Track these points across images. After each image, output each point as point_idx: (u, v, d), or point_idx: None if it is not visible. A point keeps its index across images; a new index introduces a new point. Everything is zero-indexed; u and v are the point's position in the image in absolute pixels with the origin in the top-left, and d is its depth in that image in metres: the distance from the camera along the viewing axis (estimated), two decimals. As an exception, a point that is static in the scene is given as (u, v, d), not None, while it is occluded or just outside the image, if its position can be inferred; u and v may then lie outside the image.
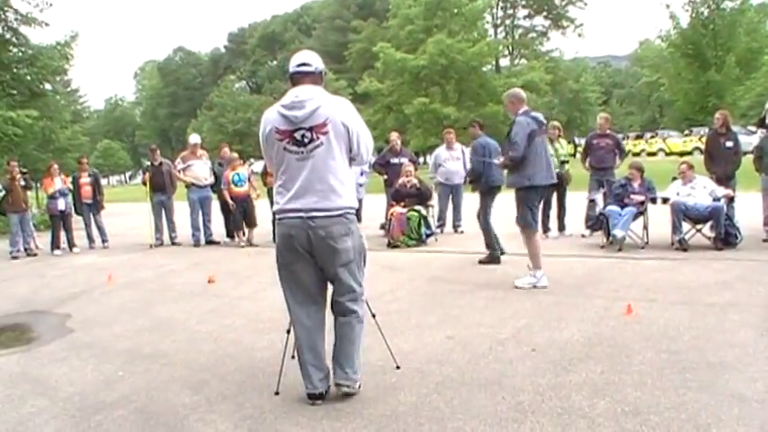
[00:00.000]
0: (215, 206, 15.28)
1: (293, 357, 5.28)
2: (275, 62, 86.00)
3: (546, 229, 12.52)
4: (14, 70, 26.16)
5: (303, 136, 4.55)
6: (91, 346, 6.97)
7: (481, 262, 10.25)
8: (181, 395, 5.21)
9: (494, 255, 10.30)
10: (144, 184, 15.62)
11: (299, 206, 4.60)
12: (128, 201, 33.45)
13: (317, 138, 4.56)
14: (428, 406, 4.63)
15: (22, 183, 15.39)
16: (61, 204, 15.43)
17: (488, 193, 10.56)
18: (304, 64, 4.79)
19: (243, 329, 7.15)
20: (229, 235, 15.05)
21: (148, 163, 16.17)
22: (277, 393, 5.00)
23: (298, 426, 4.44)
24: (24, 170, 15.75)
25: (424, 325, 6.73)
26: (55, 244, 15.54)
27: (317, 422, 4.47)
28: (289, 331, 5.16)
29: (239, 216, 14.28)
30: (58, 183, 15.49)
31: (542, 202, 12.05)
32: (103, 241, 15.85)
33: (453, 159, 14.30)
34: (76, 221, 16.05)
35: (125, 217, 17.66)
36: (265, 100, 74.57)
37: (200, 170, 14.98)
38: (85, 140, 49.36)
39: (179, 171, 15.06)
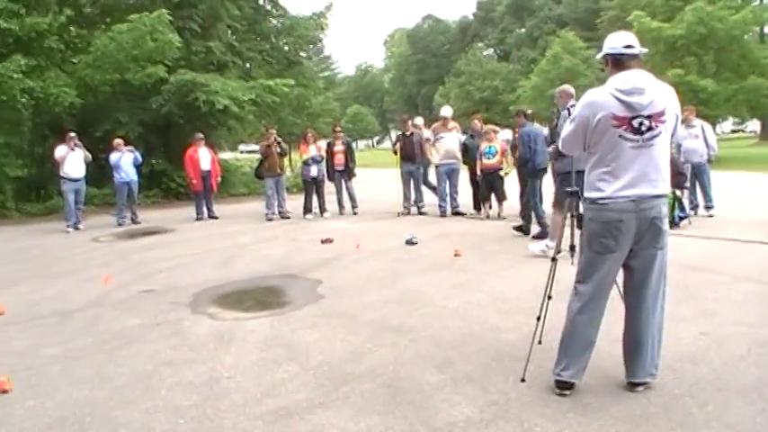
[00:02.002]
0: (463, 177, 15.34)
1: (539, 343, 5.20)
2: (523, 30, 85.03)
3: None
4: (273, 40, 27.59)
5: (641, 124, 4.39)
6: (340, 314, 7.17)
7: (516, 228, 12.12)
8: (427, 373, 5.24)
9: (527, 226, 11.96)
10: (395, 153, 15.94)
11: (630, 194, 4.46)
12: (376, 166, 34.29)
13: (656, 126, 4.41)
14: (680, 409, 4.38)
15: (278, 150, 16.16)
16: (314, 171, 16.08)
17: (535, 176, 11.88)
18: (630, 46, 4.56)
19: (489, 307, 7.10)
20: (476, 207, 15.05)
21: (400, 132, 16.45)
22: (523, 380, 4.90)
23: (543, 417, 4.33)
24: (279, 138, 16.51)
25: (676, 318, 6.25)
26: (307, 208, 16.24)
27: (562, 415, 4.35)
28: (539, 318, 5.10)
29: (485, 188, 14.24)
30: (313, 150, 16.13)
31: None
32: (353, 207, 16.35)
33: (692, 137, 13.46)
34: (328, 186, 16.64)
35: (373, 183, 18.17)
36: (513, 68, 74.34)
37: (451, 143, 15.03)
38: (336, 106, 51.26)
39: (431, 144, 15.20)
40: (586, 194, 4.66)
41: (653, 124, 4.38)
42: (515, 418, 4.36)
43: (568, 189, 5.41)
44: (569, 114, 8.73)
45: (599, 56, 4.74)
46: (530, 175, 11.95)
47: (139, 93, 22.61)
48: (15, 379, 5.57)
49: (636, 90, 4.36)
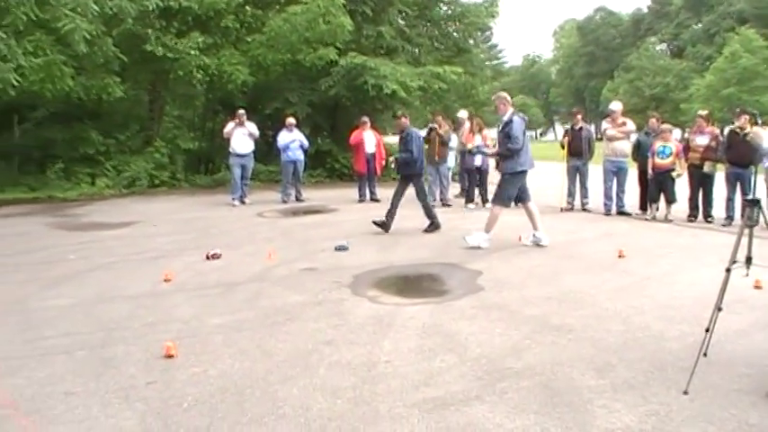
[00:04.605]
0: (632, 175, 14.91)
1: (705, 355, 5.03)
2: (700, 25, 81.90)
3: None
4: (442, 26, 27.63)
5: None
6: (500, 307, 7.13)
7: (425, 231, 12.44)
8: (586, 376, 5.15)
9: (435, 223, 12.56)
10: (562, 147, 15.71)
11: None
12: (540, 159, 33.83)
13: None
14: None
15: (439, 138, 16.18)
16: (477, 160, 15.99)
17: (420, 175, 12.90)
18: None
19: (652, 314, 6.87)
20: (642, 207, 14.59)
21: (568, 126, 16.21)
22: (686, 393, 4.73)
23: (706, 433, 4.18)
24: (434, 125, 16.50)
25: None
26: (469, 198, 16.21)
27: (727, 433, 4.17)
28: (707, 330, 4.92)
29: (655, 189, 13.78)
30: (478, 139, 16.04)
31: None
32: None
33: None
34: (492, 175, 16.44)
35: (536, 176, 17.74)
36: (686, 65, 71.83)
37: (619, 140, 14.61)
38: (501, 95, 50.86)
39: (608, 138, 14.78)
40: None
41: None
42: (676, 431, 4.22)
43: (748, 198, 5.16)
44: (519, 119, 10.61)
45: None
46: (416, 175, 12.80)
47: (309, 74, 23.14)
48: (181, 345, 5.87)
49: None
